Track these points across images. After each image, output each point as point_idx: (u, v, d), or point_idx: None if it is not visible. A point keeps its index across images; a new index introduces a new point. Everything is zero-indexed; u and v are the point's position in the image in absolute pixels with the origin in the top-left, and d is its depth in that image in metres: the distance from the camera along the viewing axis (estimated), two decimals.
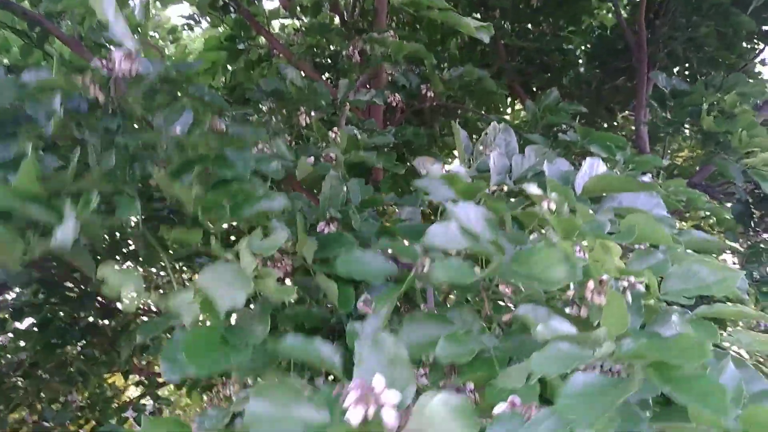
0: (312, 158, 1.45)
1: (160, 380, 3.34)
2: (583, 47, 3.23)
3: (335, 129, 1.48)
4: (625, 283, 0.71)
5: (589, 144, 1.55)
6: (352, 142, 1.38)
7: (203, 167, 0.90)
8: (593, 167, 1.03)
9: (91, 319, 3.11)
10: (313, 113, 1.59)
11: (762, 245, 2.61)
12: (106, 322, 3.11)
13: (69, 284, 2.89)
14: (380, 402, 0.55)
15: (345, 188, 1.18)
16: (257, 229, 0.87)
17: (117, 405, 3.42)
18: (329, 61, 2.63)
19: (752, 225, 2.59)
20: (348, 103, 1.57)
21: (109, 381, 3.49)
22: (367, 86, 1.77)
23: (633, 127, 3.11)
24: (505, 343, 0.80)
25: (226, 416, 0.81)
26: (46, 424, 3.00)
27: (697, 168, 2.97)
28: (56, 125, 0.91)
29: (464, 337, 0.74)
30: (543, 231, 0.91)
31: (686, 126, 2.50)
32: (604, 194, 1.03)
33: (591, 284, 0.62)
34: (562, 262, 0.65)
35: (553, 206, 0.77)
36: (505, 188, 1.15)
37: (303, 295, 1.14)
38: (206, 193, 0.91)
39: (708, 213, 2.87)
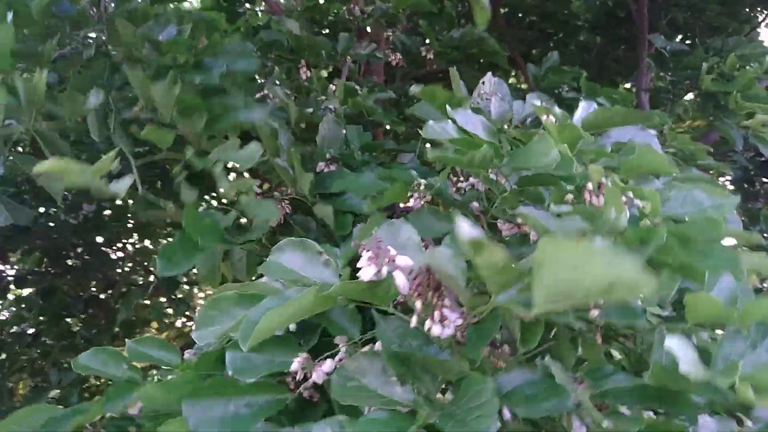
0: (311, 110, 1.46)
1: None
2: (584, 16, 3.21)
3: (335, 82, 1.48)
4: (624, 198, 0.71)
5: (595, 99, 1.56)
6: (350, 92, 1.39)
7: (178, 72, 0.92)
8: (589, 107, 1.04)
9: (93, 290, 3.15)
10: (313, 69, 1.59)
11: (762, 210, 2.62)
12: (109, 293, 3.15)
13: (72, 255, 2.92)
14: (394, 264, 0.56)
15: (343, 131, 1.20)
16: (230, 140, 0.89)
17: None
18: (328, 30, 2.62)
19: (752, 191, 2.59)
20: (349, 56, 1.57)
21: None
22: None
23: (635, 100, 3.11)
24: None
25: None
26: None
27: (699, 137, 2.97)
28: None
29: None
30: None
31: (685, 90, 2.50)
32: (601, 132, 1.05)
33: (590, 185, 0.63)
34: (553, 149, 0.67)
35: (558, 116, 0.78)
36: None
37: (304, 234, 1.16)
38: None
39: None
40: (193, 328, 0.73)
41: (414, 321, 0.60)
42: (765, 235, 2.56)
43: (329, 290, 0.58)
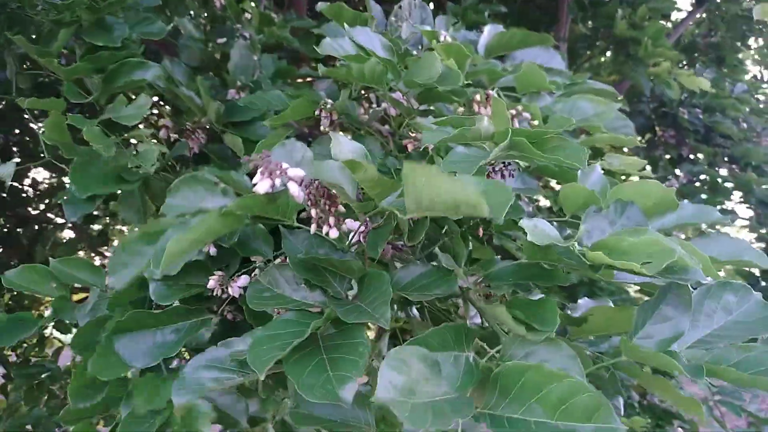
0: (225, 39, 1.44)
1: (80, 293, 3.31)
2: None
3: (251, 10, 1.46)
4: (513, 111, 0.77)
5: None
6: (265, 20, 1.37)
7: (71, 32, 0.90)
8: (493, 30, 1.08)
9: (6, 229, 3.02)
10: None
11: (660, 157, 2.81)
12: (18, 231, 3.03)
13: None
14: (287, 175, 0.60)
15: (256, 58, 1.19)
16: (119, 96, 0.89)
17: (35, 314, 3.35)
18: None
19: (654, 140, 2.77)
20: None
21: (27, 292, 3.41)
22: None
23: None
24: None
25: None
26: None
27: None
28: None
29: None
30: None
31: (604, 42, 2.61)
32: (506, 54, 1.10)
33: (477, 97, 0.68)
34: (437, 63, 0.72)
35: (449, 39, 0.82)
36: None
37: (221, 164, 1.16)
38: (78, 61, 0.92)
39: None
40: (107, 275, 0.74)
41: (313, 228, 0.65)
42: (667, 181, 2.75)
43: (230, 206, 0.61)
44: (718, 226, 2.79)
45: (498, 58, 1.05)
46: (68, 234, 3.04)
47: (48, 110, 0.91)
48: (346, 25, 0.80)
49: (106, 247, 2.98)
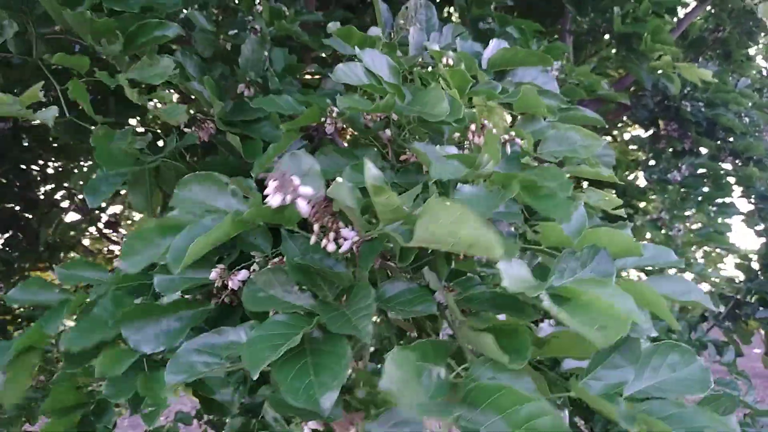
0: (236, 31, 1.48)
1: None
2: None
3: (260, 2, 1.49)
4: (506, 137, 0.82)
5: (506, 28, 1.65)
6: (275, 14, 1.41)
7: None
8: (498, 45, 1.12)
9: (17, 209, 3.07)
10: None
11: (663, 150, 2.84)
12: (30, 216, 3.08)
13: None
14: (297, 192, 0.65)
15: (266, 53, 1.23)
16: (143, 57, 0.93)
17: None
18: None
19: (658, 133, 2.80)
20: None
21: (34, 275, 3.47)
22: None
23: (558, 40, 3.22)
24: (402, 178, 0.92)
25: None
26: None
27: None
28: None
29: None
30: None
31: (602, 34, 2.63)
32: (508, 69, 1.14)
33: (473, 126, 0.72)
34: (444, 101, 0.77)
35: (451, 62, 0.86)
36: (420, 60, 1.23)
37: (227, 155, 1.20)
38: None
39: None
40: (119, 258, 0.77)
41: (313, 239, 0.71)
42: (669, 173, 2.78)
43: (244, 215, 0.66)
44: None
45: (499, 73, 1.10)
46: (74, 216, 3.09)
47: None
48: (357, 48, 0.86)
49: (112, 231, 3.02)
